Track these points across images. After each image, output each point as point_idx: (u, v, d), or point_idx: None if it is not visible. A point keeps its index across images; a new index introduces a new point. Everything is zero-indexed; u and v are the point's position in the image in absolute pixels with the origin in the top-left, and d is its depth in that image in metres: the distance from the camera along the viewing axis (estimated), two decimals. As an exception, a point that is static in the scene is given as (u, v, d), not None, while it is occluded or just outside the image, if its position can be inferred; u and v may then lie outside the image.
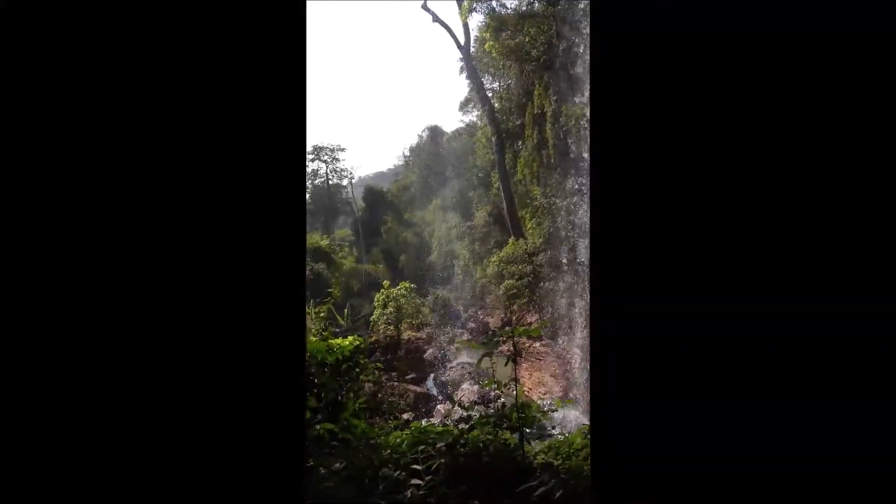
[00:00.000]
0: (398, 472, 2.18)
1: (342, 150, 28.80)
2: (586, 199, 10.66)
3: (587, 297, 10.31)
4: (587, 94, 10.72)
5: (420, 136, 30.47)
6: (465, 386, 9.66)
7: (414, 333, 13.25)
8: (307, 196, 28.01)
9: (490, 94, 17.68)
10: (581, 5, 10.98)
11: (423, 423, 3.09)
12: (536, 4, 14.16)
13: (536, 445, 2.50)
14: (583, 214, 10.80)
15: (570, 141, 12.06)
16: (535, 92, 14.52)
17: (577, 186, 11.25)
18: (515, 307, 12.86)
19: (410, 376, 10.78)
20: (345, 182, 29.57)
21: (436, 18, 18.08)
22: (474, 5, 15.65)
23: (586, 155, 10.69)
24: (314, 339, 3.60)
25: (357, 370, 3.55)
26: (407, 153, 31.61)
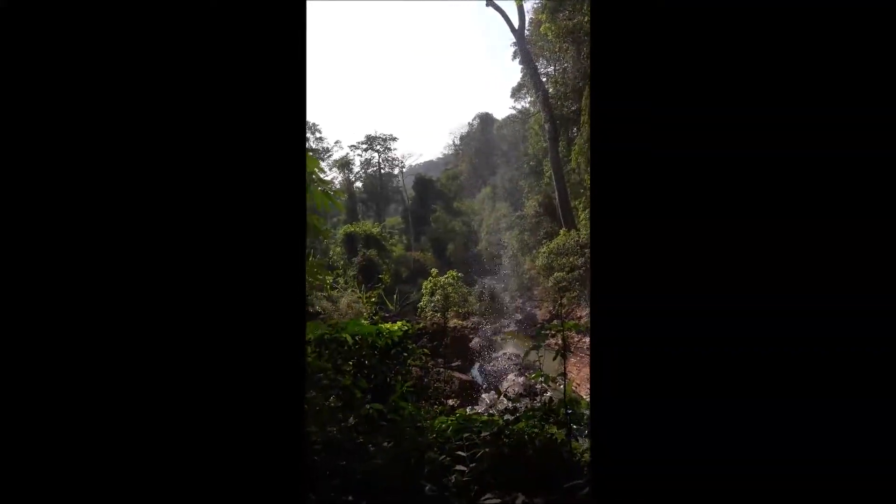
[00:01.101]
0: (443, 457, 2.23)
1: (394, 139, 29.36)
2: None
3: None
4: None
5: (471, 125, 30.22)
6: (510, 377, 9.61)
7: (460, 322, 13.36)
8: (360, 184, 29.02)
9: (544, 79, 17.03)
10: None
11: (469, 410, 3.12)
12: (598, -20, 13.28)
13: (584, 443, 2.43)
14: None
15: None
16: (594, 75, 13.72)
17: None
18: (565, 300, 12.50)
19: (456, 364, 10.92)
20: (396, 171, 30.21)
21: (489, 3, 17.64)
22: (530, -14, 15.03)
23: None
24: (365, 322, 3.76)
25: (405, 354, 3.66)
26: (457, 142, 31.51)
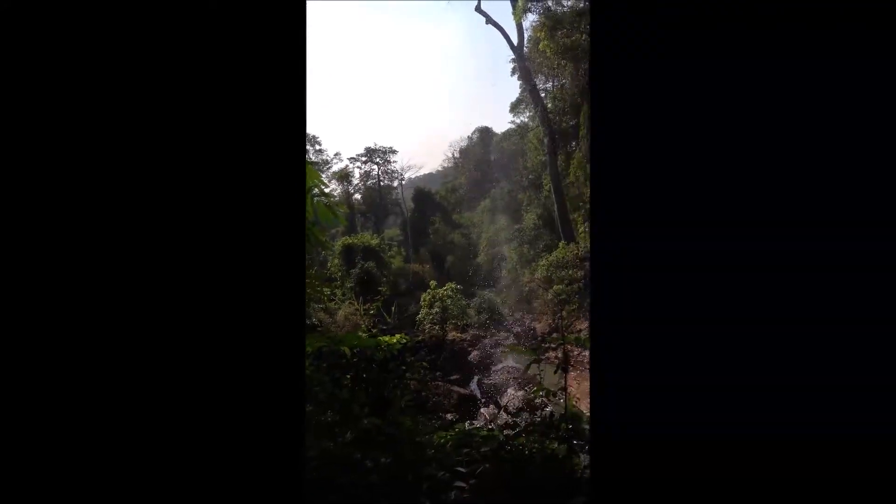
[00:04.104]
0: (442, 473, 2.18)
1: (394, 151, 29.59)
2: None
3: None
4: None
5: (470, 138, 30.55)
6: (510, 391, 9.49)
7: (459, 335, 13.27)
8: (359, 196, 29.17)
9: (543, 95, 17.30)
10: None
11: (468, 425, 3.08)
12: (595, 0, 13.61)
13: (586, 459, 2.39)
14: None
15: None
16: (591, 90, 13.95)
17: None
18: (564, 313, 12.44)
19: (455, 377, 10.79)
20: (395, 183, 30.39)
21: (489, 20, 18.04)
22: (529, 5, 15.40)
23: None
24: (364, 334, 3.72)
25: (403, 368, 3.61)
26: (457, 155, 31.81)
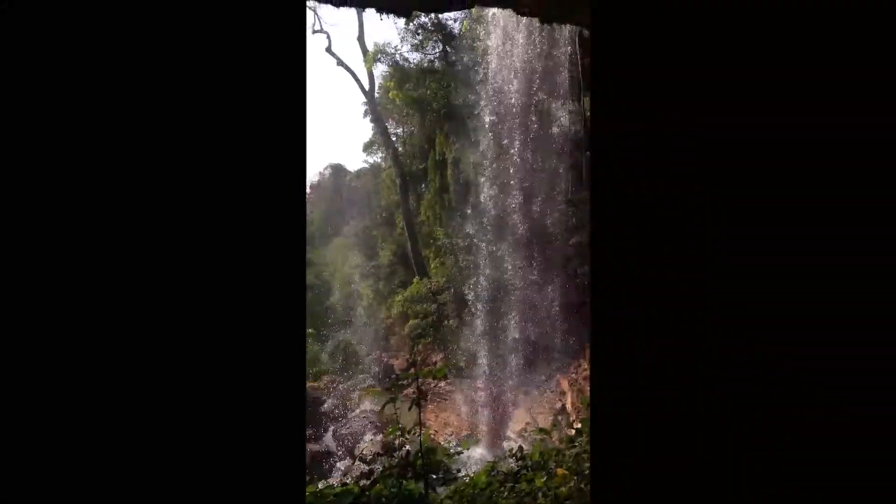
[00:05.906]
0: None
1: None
2: (484, 240, 11.43)
3: (489, 333, 10.76)
4: (483, 145, 11.78)
5: (322, 174, 29.79)
6: (367, 437, 9.04)
7: (311, 383, 12.15)
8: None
9: (394, 139, 18.28)
10: (479, 70, 12.23)
11: (321, 485, 2.78)
12: (437, 63, 15.43)
13: (442, 491, 2.41)
14: (483, 254, 11.51)
15: (469, 186, 12.96)
16: (437, 140, 15.47)
17: (475, 229, 12.01)
18: (420, 347, 12.77)
19: (307, 432, 9.71)
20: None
21: (340, 63, 18.47)
22: (379, 56, 16.41)
23: (483, 198, 11.59)
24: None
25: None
26: (308, 190, 30.46)
